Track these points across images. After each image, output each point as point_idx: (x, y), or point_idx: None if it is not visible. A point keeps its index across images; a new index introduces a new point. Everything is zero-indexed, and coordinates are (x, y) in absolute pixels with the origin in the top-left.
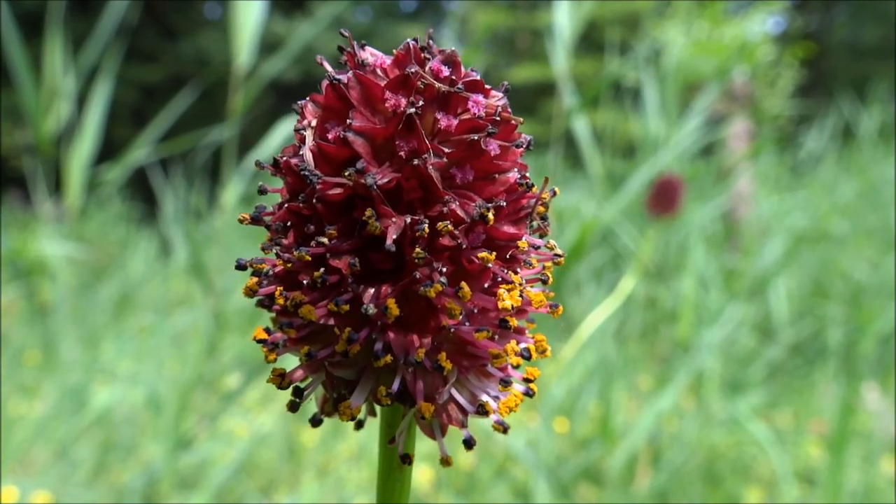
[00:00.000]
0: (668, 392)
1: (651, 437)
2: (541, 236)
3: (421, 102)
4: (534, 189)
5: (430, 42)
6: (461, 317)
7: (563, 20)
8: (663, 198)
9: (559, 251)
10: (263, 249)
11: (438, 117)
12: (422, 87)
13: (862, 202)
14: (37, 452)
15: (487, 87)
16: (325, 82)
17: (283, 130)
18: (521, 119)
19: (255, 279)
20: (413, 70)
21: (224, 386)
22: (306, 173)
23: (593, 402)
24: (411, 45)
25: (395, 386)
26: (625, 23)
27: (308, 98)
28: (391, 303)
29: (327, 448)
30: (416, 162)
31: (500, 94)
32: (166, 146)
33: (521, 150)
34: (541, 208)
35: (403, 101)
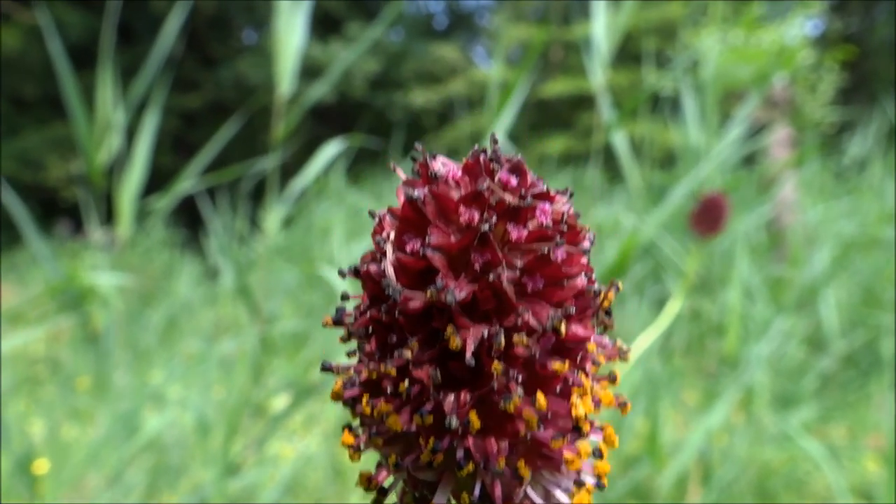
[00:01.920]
0: (718, 408)
1: (701, 454)
2: (605, 329)
3: (493, 217)
4: (601, 292)
5: (497, 150)
6: (537, 424)
7: (600, 33)
8: (708, 217)
9: (625, 347)
10: (348, 355)
11: (509, 229)
12: (493, 202)
13: None
14: (90, 478)
15: (553, 193)
16: (400, 193)
17: (325, 155)
18: (588, 226)
19: (340, 383)
20: (485, 186)
21: (271, 408)
22: (389, 289)
23: (640, 419)
24: (481, 158)
25: (477, 492)
26: (659, 32)
27: (386, 210)
28: (473, 416)
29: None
30: (490, 277)
31: (565, 200)
32: (213, 176)
33: (588, 253)
34: (605, 303)
35: (476, 217)
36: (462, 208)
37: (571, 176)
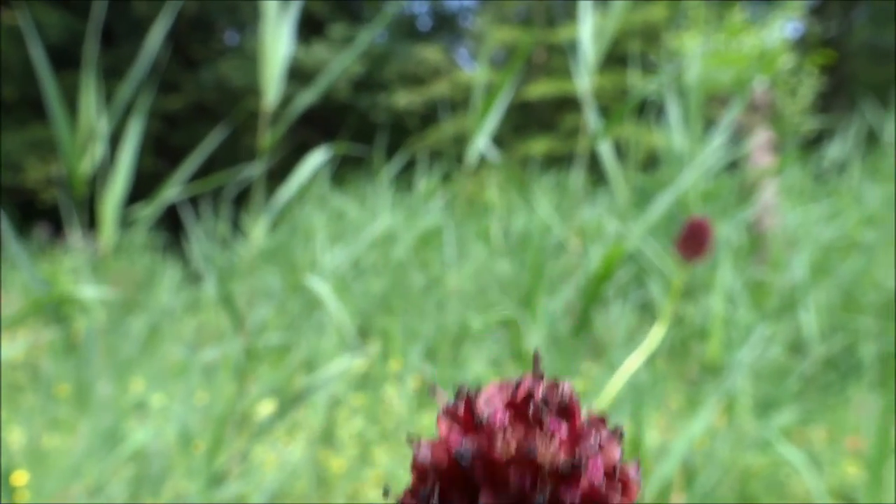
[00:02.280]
0: (701, 415)
1: (684, 460)
2: None
3: (546, 485)
4: None
5: (543, 388)
6: None
7: (587, 40)
8: (693, 241)
9: None
10: None
11: (561, 491)
12: (546, 466)
13: (889, 209)
14: (72, 489)
15: (605, 441)
16: (442, 428)
17: (310, 165)
18: (639, 480)
19: None
20: (535, 446)
21: (255, 416)
22: None
23: (624, 426)
24: (531, 405)
25: None
26: (642, 34)
27: (426, 450)
28: None
29: (356, 475)
30: None
31: (617, 446)
32: (198, 185)
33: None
34: None
35: (528, 482)
36: (513, 471)
37: (555, 179)
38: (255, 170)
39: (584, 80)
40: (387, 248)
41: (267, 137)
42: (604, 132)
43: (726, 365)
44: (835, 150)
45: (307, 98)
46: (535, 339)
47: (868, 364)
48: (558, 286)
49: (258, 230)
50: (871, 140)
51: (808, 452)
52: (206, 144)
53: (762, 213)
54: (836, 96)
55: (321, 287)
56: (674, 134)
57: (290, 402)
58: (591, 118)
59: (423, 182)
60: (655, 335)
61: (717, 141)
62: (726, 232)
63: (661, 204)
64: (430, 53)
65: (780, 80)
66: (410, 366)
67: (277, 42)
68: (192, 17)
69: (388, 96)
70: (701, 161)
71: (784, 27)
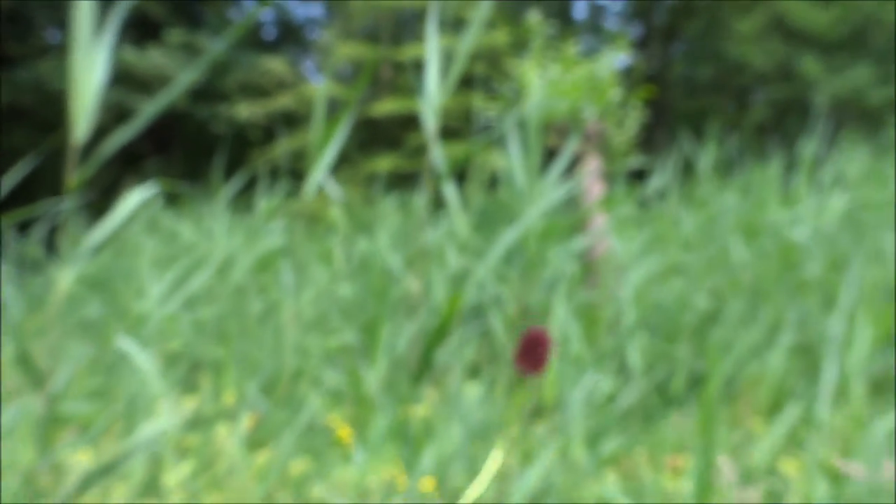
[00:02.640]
0: (539, 460)
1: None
2: None
3: None
4: None
5: None
6: None
7: (434, 86)
8: (531, 354)
9: None
10: None
11: None
12: None
13: (703, 234)
14: None
15: None
16: None
17: (127, 206)
18: None
19: None
20: None
21: (64, 478)
22: None
23: (465, 468)
24: None
25: None
26: (485, 58)
27: None
28: None
29: None
30: None
31: None
32: (5, 217)
33: None
34: None
35: None
36: None
37: (400, 198)
38: (64, 205)
39: (431, 124)
40: (224, 272)
41: (75, 177)
42: (447, 173)
43: (560, 399)
44: (657, 179)
45: (125, 135)
46: (376, 370)
47: (688, 385)
48: (401, 313)
49: (64, 280)
50: (688, 169)
51: (632, 476)
52: (11, 176)
53: (593, 240)
54: (659, 127)
55: (131, 347)
56: (514, 168)
57: (98, 474)
58: (436, 156)
59: (264, 201)
60: (496, 459)
61: (563, 188)
62: (559, 263)
63: (503, 243)
64: (275, 64)
65: (609, 112)
66: (245, 401)
67: (89, 72)
68: (6, 9)
69: (229, 107)
70: (542, 202)
71: (613, 61)
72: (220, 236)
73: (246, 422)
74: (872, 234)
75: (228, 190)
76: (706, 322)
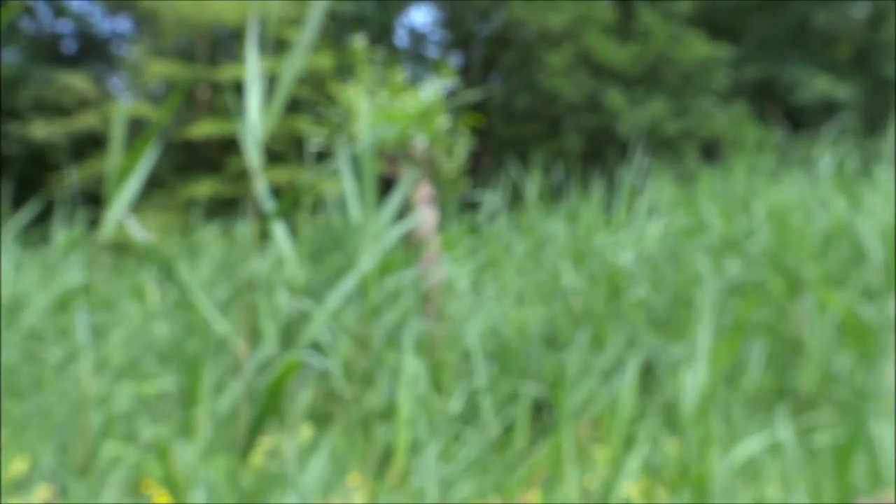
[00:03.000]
0: None
1: None
2: None
3: None
4: None
5: None
6: None
7: (255, 102)
8: None
9: None
10: None
11: None
12: None
13: (533, 260)
14: None
15: None
16: None
17: None
18: None
19: None
20: None
21: None
22: None
23: None
24: None
25: None
26: (309, 81)
27: None
28: None
29: None
30: None
31: None
32: None
33: None
34: None
35: None
36: None
37: (222, 227)
38: None
39: (253, 158)
40: (14, 315)
41: None
42: (275, 215)
43: (411, 446)
44: (487, 206)
45: None
46: (197, 440)
47: (533, 418)
48: (225, 357)
49: None
50: (516, 196)
51: None
52: None
53: (427, 266)
54: (483, 154)
55: None
56: (349, 198)
57: None
58: (260, 188)
59: (62, 231)
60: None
61: (391, 207)
62: (395, 288)
63: (342, 290)
64: (76, 80)
65: (438, 139)
66: (39, 470)
67: None
68: None
69: (21, 126)
70: (381, 241)
71: (439, 88)
72: (7, 273)
73: (40, 494)
74: (688, 257)
75: (19, 219)
76: (547, 349)
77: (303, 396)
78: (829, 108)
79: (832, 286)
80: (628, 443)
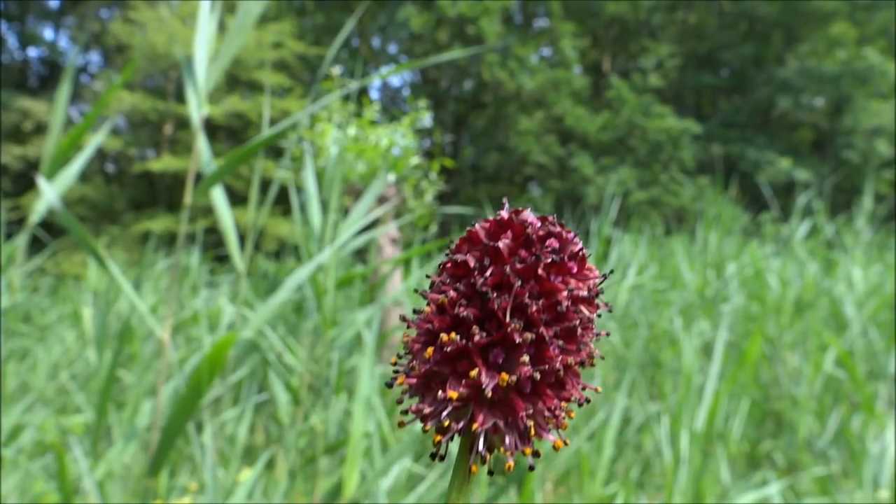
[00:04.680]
0: None
1: None
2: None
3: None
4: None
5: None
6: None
7: (203, 49)
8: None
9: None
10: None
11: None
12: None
13: None
14: None
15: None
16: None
17: None
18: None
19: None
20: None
21: None
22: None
23: None
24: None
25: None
26: (278, 120)
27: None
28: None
29: None
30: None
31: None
32: None
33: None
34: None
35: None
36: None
37: (172, 261)
38: None
39: (196, 108)
40: None
41: None
42: (209, 185)
43: (360, 490)
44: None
45: None
46: (108, 459)
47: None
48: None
49: None
50: None
51: None
52: None
53: (388, 308)
54: (452, 197)
55: None
56: (312, 214)
57: None
58: (205, 162)
59: None
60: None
61: (357, 219)
62: (353, 331)
63: (294, 281)
64: (38, 107)
65: (409, 179)
66: None
67: None
68: None
69: None
70: (340, 242)
71: (415, 124)
72: None
73: None
74: (662, 314)
75: None
76: None
77: (240, 430)
78: (790, 189)
79: (811, 350)
80: (603, 502)
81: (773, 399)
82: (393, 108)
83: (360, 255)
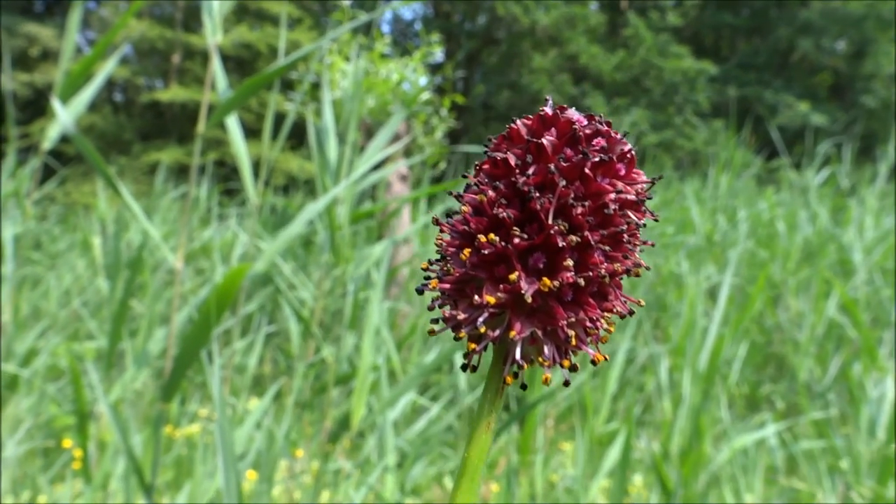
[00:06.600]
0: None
1: None
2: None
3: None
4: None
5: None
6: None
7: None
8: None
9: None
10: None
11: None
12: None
13: None
14: None
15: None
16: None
17: None
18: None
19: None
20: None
21: None
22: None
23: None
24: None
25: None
26: (288, 53)
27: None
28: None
29: None
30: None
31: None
32: None
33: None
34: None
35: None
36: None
37: (183, 192)
38: None
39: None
40: None
41: None
42: (224, 112)
43: (369, 421)
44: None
45: None
46: (122, 383)
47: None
48: (164, 316)
49: None
50: None
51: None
52: None
53: (396, 244)
54: (462, 136)
55: None
56: (329, 147)
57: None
58: (218, 76)
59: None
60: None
61: (373, 154)
62: (367, 265)
63: (308, 214)
64: (43, 33)
65: (419, 115)
66: None
67: None
68: None
69: None
70: (357, 174)
71: (426, 59)
72: None
73: None
74: (668, 258)
75: None
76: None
77: (250, 360)
78: (802, 134)
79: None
80: (603, 440)
81: (776, 343)
82: (405, 41)
83: (367, 192)
